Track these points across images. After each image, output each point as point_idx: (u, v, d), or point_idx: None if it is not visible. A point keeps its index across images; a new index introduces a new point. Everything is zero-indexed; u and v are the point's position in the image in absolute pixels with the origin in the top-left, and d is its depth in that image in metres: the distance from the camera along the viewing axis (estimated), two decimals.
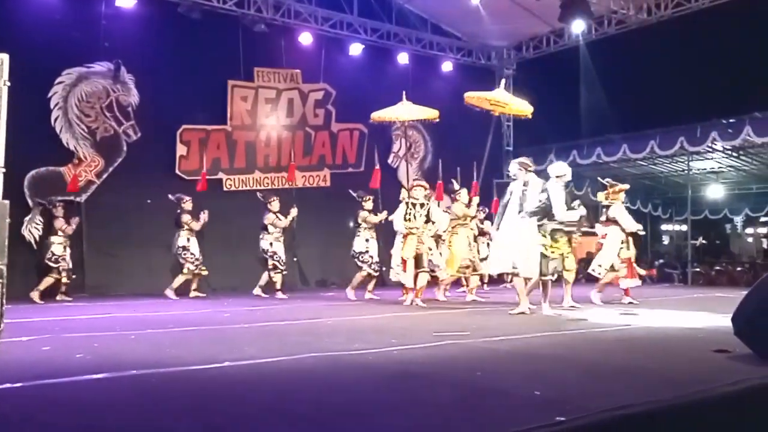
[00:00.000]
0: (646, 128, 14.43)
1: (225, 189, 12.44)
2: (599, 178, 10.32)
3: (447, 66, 15.26)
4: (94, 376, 3.72)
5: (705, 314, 7.33)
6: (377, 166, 11.54)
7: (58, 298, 10.00)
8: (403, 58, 14.46)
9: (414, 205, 8.98)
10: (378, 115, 10.38)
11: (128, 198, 11.14)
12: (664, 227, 22.32)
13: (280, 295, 10.35)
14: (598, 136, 15.24)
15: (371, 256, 10.20)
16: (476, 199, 10.16)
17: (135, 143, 11.54)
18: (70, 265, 10.27)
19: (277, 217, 10.55)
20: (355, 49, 13.97)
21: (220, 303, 9.29)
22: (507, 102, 9.62)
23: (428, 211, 8.98)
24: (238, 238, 11.77)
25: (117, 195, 11.09)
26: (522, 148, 16.60)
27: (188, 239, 10.52)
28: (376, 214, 10.33)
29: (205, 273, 10.73)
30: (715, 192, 18.20)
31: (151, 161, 11.61)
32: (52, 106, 10.90)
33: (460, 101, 14.94)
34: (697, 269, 15.91)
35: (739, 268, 16.09)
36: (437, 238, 9.57)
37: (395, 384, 3.69)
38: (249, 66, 12.63)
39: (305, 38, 13.32)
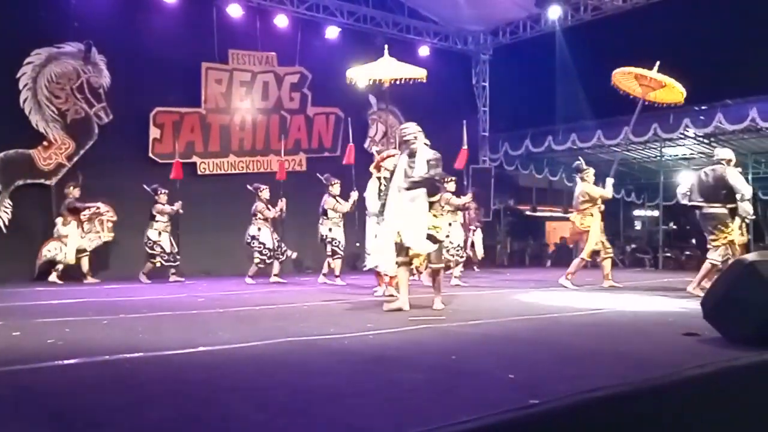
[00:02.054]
0: (620, 114, 14.56)
1: (199, 173, 12.32)
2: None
3: (424, 50, 15.22)
4: (66, 362, 3.68)
5: (675, 298, 7.46)
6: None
7: (171, 279, 10.31)
8: (379, 42, 14.36)
9: (387, 179, 7.35)
10: (356, 73, 9.26)
11: (99, 181, 10.96)
12: (636, 213, 22.62)
13: (339, 281, 9.95)
14: (572, 122, 15.35)
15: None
16: None
17: (107, 126, 11.36)
18: (174, 249, 10.48)
19: (338, 201, 10.03)
20: (332, 32, 13.86)
21: (195, 287, 9.22)
22: (664, 83, 8.57)
23: None
24: (213, 223, 11.68)
25: (88, 178, 10.91)
26: (498, 134, 16.71)
27: (259, 228, 10.14)
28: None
29: (283, 258, 10.43)
30: (686, 178, 18.46)
31: (123, 144, 11.44)
32: (20, 87, 10.68)
33: (436, 86, 14.94)
34: (668, 254, 16.17)
35: None
36: None
37: (371, 368, 3.70)
38: (223, 48, 12.49)
39: (281, 21, 13.18)
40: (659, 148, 15.52)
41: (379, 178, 7.76)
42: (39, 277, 10.16)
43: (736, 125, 13.07)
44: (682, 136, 14.56)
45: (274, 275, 10.26)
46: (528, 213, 21.59)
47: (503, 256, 17.31)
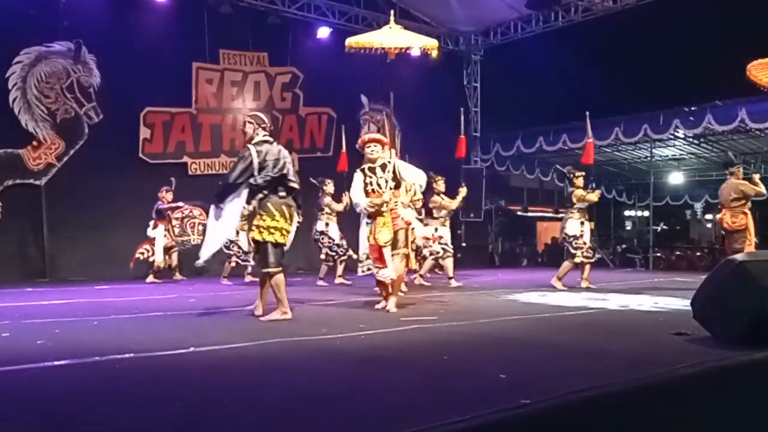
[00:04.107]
0: (611, 115, 14.63)
1: (190, 173, 12.27)
2: None
3: (415, 51, 15.19)
4: (56, 363, 3.65)
5: (665, 298, 7.50)
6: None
7: (246, 279, 10.07)
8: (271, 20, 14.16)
9: (373, 169, 6.44)
10: (355, 41, 8.35)
11: (89, 181, 10.92)
12: (626, 213, 22.76)
13: (454, 283, 9.39)
14: (563, 123, 15.41)
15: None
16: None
17: (97, 125, 11.30)
18: (250, 248, 9.90)
19: (443, 198, 9.59)
20: (323, 33, 13.85)
21: (186, 288, 9.19)
22: None
23: (395, 171, 6.40)
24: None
25: (78, 178, 10.87)
26: (489, 134, 16.74)
27: (327, 224, 9.76)
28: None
29: (346, 258, 10.00)
30: (676, 179, 18.60)
31: (113, 144, 11.38)
32: (10, 87, 10.60)
33: (428, 87, 14.93)
34: (658, 254, 16.27)
35: (698, 253, 16.52)
36: (415, 205, 8.08)
37: (363, 368, 3.70)
38: (214, 48, 12.44)
39: (272, 21, 13.16)
40: (649, 149, 15.60)
41: (364, 171, 6.55)
42: (134, 278, 10.42)
43: (725, 126, 13.16)
44: (672, 137, 14.64)
45: (339, 276, 9.95)
46: (519, 213, 21.65)
47: (495, 257, 17.33)
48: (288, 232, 5.74)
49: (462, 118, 10.08)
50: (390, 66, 10.32)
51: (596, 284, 9.09)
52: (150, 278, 10.24)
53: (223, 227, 5.78)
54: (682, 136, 14.56)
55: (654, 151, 15.68)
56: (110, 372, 3.55)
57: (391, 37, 8.23)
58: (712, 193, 18.77)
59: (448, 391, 3.08)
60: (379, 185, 6.35)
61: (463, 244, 15.58)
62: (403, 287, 7.08)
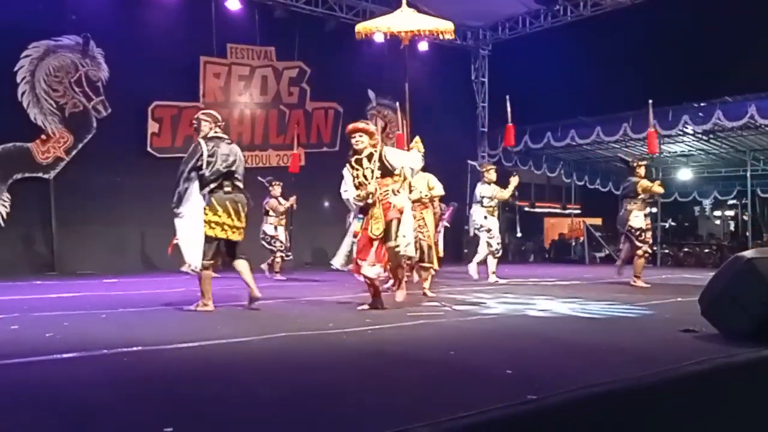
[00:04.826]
0: (619, 111, 14.57)
1: None
2: None
3: (422, 46, 15.18)
4: (64, 356, 3.67)
5: (673, 295, 7.46)
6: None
7: (268, 275, 9.97)
8: (378, 37, 14.30)
9: (359, 161, 5.99)
10: (365, 26, 8.15)
11: (98, 175, 10.97)
12: None
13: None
14: (571, 119, 15.35)
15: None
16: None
17: (105, 119, 11.34)
18: (288, 243, 10.34)
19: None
20: (331, 27, 13.82)
21: (193, 282, 9.20)
22: None
23: (381, 159, 5.94)
24: None
25: (86, 172, 10.92)
26: (497, 130, 16.69)
27: None
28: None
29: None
30: (684, 175, 18.51)
31: (121, 138, 11.42)
32: (18, 80, 10.65)
33: (435, 81, 14.88)
34: (666, 251, 16.21)
35: (706, 250, 16.44)
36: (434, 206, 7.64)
37: (369, 363, 3.70)
38: (222, 42, 12.46)
39: (280, 15, 13.15)
40: (658, 145, 15.52)
41: (350, 163, 6.09)
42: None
43: (735, 122, 13.08)
44: (680, 133, 14.56)
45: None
46: (527, 209, 21.61)
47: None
48: (231, 227, 5.83)
49: (508, 105, 9.84)
50: (397, 60, 10.27)
51: (601, 280, 9.06)
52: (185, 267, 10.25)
53: (193, 227, 5.87)
54: (691, 132, 14.47)
55: (663, 147, 15.59)
56: (118, 365, 3.56)
57: (404, 21, 7.83)
58: (720, 190, 18.69)
59: (454, 387, 3.08)
60: (366, 177, 5.92)
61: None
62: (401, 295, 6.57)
